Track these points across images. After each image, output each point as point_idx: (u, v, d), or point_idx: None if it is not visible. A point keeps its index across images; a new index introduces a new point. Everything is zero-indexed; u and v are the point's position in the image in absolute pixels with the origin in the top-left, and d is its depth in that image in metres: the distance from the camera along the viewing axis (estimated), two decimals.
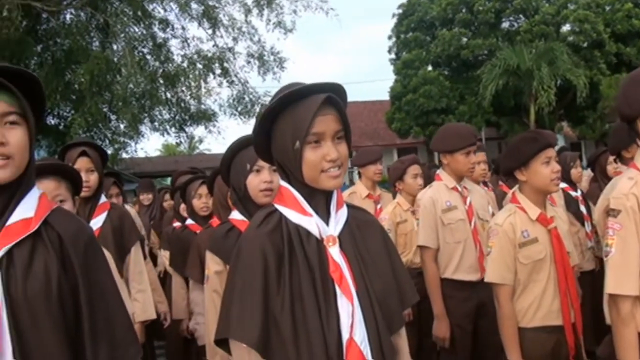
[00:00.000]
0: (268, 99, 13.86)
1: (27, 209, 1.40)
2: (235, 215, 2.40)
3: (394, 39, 24.90)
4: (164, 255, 4.56)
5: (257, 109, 14.85)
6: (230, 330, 1.42)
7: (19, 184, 1.40)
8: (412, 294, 1.59)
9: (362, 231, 1.54)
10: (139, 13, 12.22)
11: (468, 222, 3.40)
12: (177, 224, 4.40)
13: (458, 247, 3.36)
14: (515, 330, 2.63)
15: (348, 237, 1.49)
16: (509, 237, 2.63)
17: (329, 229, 1.47)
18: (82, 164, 2.87)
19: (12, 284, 1.33)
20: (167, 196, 5.74)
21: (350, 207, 1.58)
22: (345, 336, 1.38)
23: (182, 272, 3.72)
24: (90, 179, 2.87)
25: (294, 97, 1.43)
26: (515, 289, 2.65)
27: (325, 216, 1.48)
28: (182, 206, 4.35)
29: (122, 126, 12.95)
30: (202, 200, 3.75)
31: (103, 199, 3.02)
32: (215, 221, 3.08)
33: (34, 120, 1.42)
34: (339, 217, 1.50)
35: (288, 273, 1.41)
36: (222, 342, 1.50)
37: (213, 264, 2.40)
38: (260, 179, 2.27)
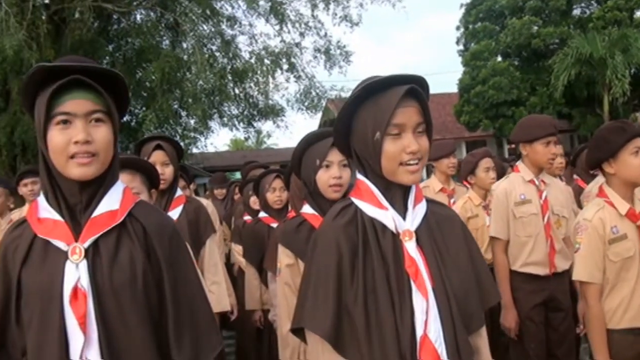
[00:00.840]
0: (334, 93, 13.90)
1: (112, 202, 1.45)
2: (306, 209, 2.42)
3: (462, 30, 24.35)
4: (234, 249, 4.64)
5: (324, 103, 14.89)
6: (305, 320, 1.43)
7: (104, 179, 1.45)
8: (494, 294, 1.56)
9: (441, 227, 1.51)
10: (208, 11, 12.46)
11: (541, 217, 3.31)
12: (247, 217, 4.47)
13: (529, 241, 3.30)
14: (603, 331, 2.51)
15: (426, 232, 1.47)
16: (598, 233, 2.51)
17: (405, 223, 1.45)
18: (157, 157, 2.94)
19: (99, 274, 1.39)
20: (237, 189, 5.82)
21: (430, 201, 1.55)
22: (419, 332, 1.36)
23: (256, 264, 3.78)
24: (165, 171, 2.93)
25: (377, 87, 1.42)
26: (604, 289, 2.54)
27: (402, 210, 1.46)
28: (252, 199, 4.41)
29: (192, 122, 13.28)
30: (275, 193, 3.79)
31: (179, 192, 3.09)
32: (292, 215, 3.11)
33: (118, 117, 1.47)
34: (416, 212, 1.47)
35: (362, 266, 1.40)
36: (298, 331, 1.51)
37: (284, 257, 2.43)
38: (329, 175, 2.28)
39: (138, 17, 12.81)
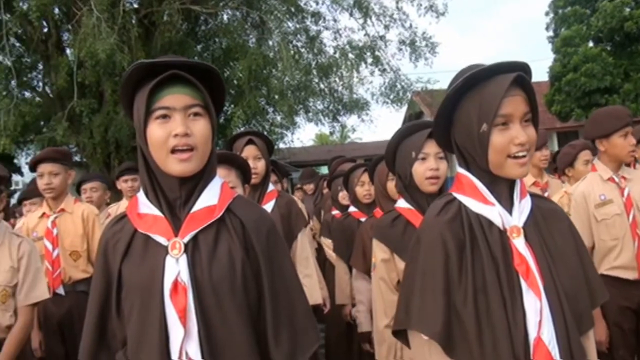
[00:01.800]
0: (420, 85, 13.67)
1: (210, 197, 1.46)
2: (401, 204, 2.37)
3: (551, 15, 23.30)
4: (325, 243, 4.65)
5: (409, 96, 14.68)
6: (412, 321, 1.38)
7: (203, 174, 1.46)
8: (602, 292, 1.45)
9: (548, 222, 1.43)
10: (292, 9, 12.55)
11: (626, 216, 3.05)
12: (335, 212, 4.46)
13: (615, 244, 3.05)
14: None
15: (533, 228, 1.39)
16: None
17: (512, 219, 1.37)
18: (249, 152, 2.96)
19: (198, 268, 1.39)
20: (325, 183, 5.83)
21: (533, 195, 1.46)
22: (532, 334, 1.29)
23: (346, 258, 3.77)
24: (257, 166, 2.95)
25: (481, 76, 1.35)
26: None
27: (508, 205, 1.39)
28: (341, 194, 4.39)
29: (278, 118, 13.47)
30: (364, 187, 3.76)
31: (271, 186, 3.12)
32: (378, 211, 3.08)
33: (215, 111, 1.48)
34: (522, 207, 1.40)
35: (470, 263, 1.33)
36: (399, 333, 1.47)
37: (380, 251, 2.39)
38: (426, 167, 2.23)
39: (225, 17, 13.10)
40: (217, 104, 1.51)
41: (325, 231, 4.54)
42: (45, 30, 11.72)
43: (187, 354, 1.36)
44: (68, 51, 12.01)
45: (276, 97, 11.93)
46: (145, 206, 1.47)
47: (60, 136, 10.14)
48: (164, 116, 1.40)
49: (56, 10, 11.41)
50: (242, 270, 1.41)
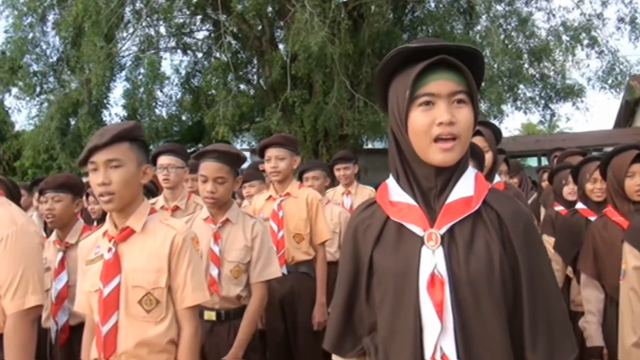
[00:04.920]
0: None
1: (466, 188, 1.39)
2: None
3: None
4: (547, 241, 4.33)
5: (627, 80, 13.27)
6: None
7: (458, 164, 1.39)
8: None
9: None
10: None
11: None
12: (559, 207, 4.13)
13: None
14: None
15: None
16: None
17: None
18: (477, 142, 2.86)
19: (455, 261, 1.34)
20: (545, 176, 5.46)
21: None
22: None
23: (568, 259, 3.49)
24: (485, 157, 2.84)
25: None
26: None
27: None
28: (566, 189, 4.07)
29: (484, 106, 13.00)
30: (596, 185, 3.42)
31: (497, 178, 2.97)
32: (610, 210, 2.79)
33: (478, 97, 1.40)
34: None
35: None
36: None
37: (632, 257, 2.14)
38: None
39: (432, 4, 12.95)
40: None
41: (548, 228, 4.20)
42: (260, 27, 12.59)
43: (441, 349, 1.32)
44: (280, 46, 12.80)
45: (483, 84, 11.49)
46: (397, 194, 1.44)
47: (274, 125, 10.84)
48: (427, 103, 1.35)
49: (269, 9, 12.19)
50: (500, 265, 1.33)
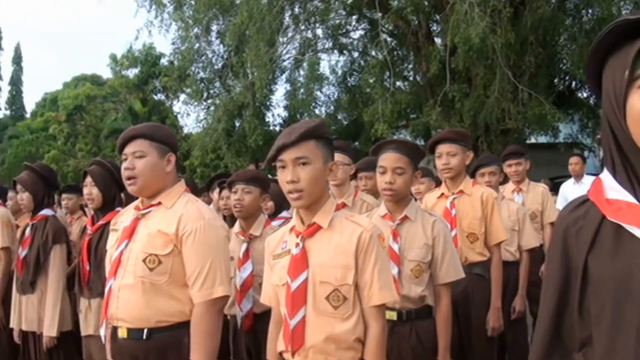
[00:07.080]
0: None
1: None
2: None
3: None
4: None
5: None
6: None
7: None
8: None
9: None
10: None
11: None
12: None
13: None
14: None
15: None
16: None
17: None
18: None
19: None
20: None
21: None
22: None
23: None
24: None
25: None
26: None
27: None
28: None
29: None
30: None
31: None
32: None
33: None
34: None
35: None
36: None
37: None
38: None
39: None
40: None
41: None
42: (416, 22, 12.44)
43: None
44: (437, 40, 12.56)
45: None
46: (615, 190, 1.27)
47: (433, 121, 10.66)
48: None
49: (425, 3, 12.00)
50: None
